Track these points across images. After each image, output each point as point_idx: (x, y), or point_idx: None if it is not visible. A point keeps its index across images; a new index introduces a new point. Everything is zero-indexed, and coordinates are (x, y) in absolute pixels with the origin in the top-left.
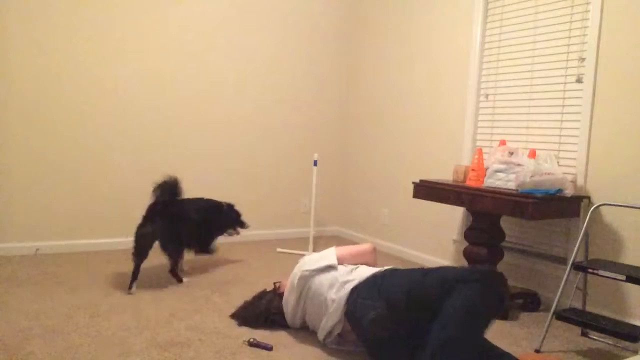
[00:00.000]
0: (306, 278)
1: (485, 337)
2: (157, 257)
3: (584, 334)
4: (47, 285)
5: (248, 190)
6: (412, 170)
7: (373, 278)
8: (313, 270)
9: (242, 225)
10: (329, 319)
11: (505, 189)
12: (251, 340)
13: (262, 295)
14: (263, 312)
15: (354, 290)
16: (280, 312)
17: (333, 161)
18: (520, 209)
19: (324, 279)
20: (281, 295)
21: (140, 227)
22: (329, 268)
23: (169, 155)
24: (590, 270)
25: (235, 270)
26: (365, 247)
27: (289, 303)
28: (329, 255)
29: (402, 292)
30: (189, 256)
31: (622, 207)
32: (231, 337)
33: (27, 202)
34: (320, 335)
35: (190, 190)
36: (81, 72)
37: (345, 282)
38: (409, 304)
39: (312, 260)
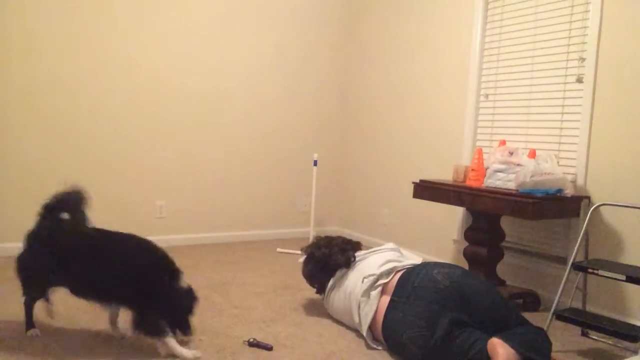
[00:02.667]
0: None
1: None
2: None
3: (584, 334)
4: None
5: (248, 190)
6: (412, 170)
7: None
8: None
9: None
10: (385, 266)
11: (505, 189)
12: (251, 340)
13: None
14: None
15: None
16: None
17: (333, 161)
18: (520, 209)
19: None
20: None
21: None
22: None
23: (168, 155)
24: (590, 270)
25: (235, 270)
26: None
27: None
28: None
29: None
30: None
31: (622, 207)
32: (231, 337)
33: (27, 202)
34: (363, 285)
35: (190, 190)
36: (81, 74)
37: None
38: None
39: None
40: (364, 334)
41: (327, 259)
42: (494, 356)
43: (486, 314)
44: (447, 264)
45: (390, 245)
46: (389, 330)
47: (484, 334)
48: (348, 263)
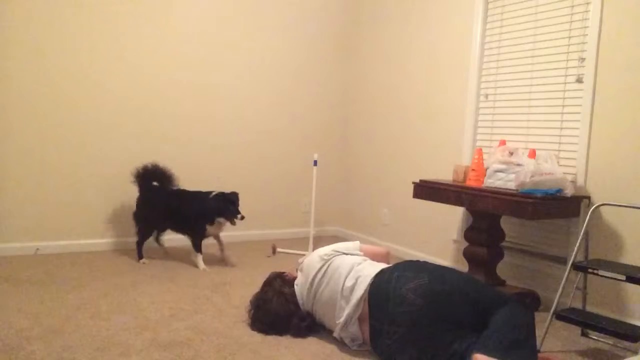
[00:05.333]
0: (329, 256)
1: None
2: (156, 255)
3: (584, 334)
4: (47, 285)
5: (248, 190)
6: (412, 170)
7: (409, 261)
8: (337, 251)
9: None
10: (352, 297)
11: (505, 189)
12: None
13: (268, 284)
14: (282, 312)
15: (383, 271)
16: (294, 300)
17: (333, 161)
18: (520, 209)
19: (346, 260)
20: (290, 282)
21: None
22: (353, 254)
23: (169, 155)
24: (590, 270)
25: (235, 270)
26: (382, 249)
27: (303, 286)
28: (353, 245)
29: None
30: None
31: (622, 207)
32: (231, 337)
33: (27, 202)
34: (338, 325)
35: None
36: (81, 73)
37: (371, 265)
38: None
39: (334, 245)
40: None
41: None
42: None
43: (469, 309)
44: (410, 270)
45: (321, 252)
46: (383, 354)
47: (466, 339)
48: (301, 332)
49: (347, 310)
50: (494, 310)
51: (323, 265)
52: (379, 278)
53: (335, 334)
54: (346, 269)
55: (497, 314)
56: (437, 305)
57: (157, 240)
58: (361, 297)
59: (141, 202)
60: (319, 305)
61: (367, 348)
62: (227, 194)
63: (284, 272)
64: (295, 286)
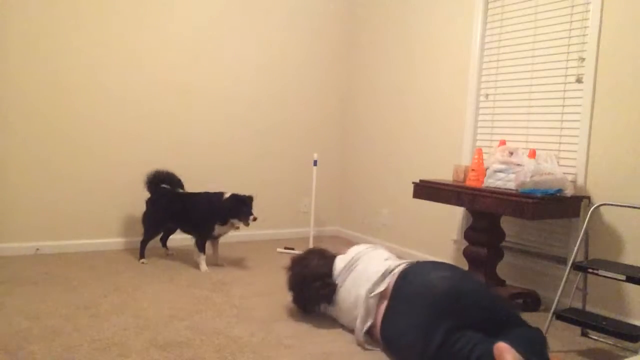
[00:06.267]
0: (375, 246)
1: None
2: (156, 255)
3: (584, 334)
4: (47, 285)
5: (248, 190)
6: (412, 170)
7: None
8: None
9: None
10: (384, 273)
11: (505, 189)
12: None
13: (312, 250)
14: (314, 272)
15: (419, 262)
16: (329, 268)
17: (333, 161)
18: (520, 209)
19: (387, 251)
20: (331, 255)
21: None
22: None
23: (169, 155)
24: (590, 270)
25: (235, 270)
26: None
27: (344, 259)
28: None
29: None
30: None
31: (622, 207)
32: (231, 337)
33: (27, 202)
34: (362, 295)
35: (190, 190)
36: (81, 73)
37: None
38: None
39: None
40: (361, 338)
41: (308, 300)
42: None
43: (485, 317)
44: (445, 265)
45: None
46: (388, 336)
47: (485, 337)
48: (329, 299)
49: (374, 278)
50: (512, 327)
51: (368, 248)
52: (414, 266)
53: (356, 311)
54: (388, 253)
55: (517, 329)
56: (458, 298)
57: (164, 243)
58: (391, 273)
59: (151, 202)
60: (352, 277)
61: (374, 346)
62: (240, 195)
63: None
64: (336, 258)
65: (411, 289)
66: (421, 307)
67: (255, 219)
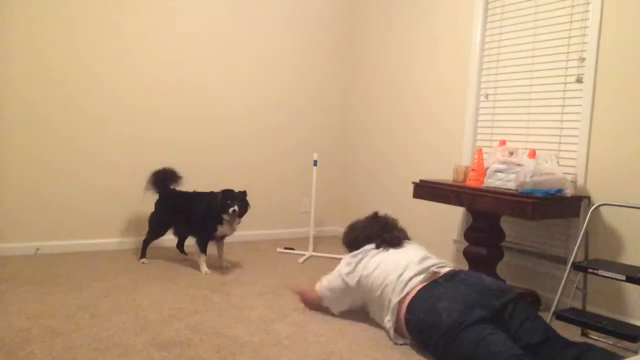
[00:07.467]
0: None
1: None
2: (156, 255)
3: (584, 334)
4: (47, 285)
5: (248, 190)
6: (412, 170)
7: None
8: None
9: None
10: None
11: (505, 189)
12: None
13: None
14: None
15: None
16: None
17: (333, 161)
18: (520, 209)
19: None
20: None
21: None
22: None
23: (169, 155)
24: (590, 270)
25: (235, 270)
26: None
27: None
28: None
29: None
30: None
31: (622, 207)
32: (231, 337)
33: (27, 202)
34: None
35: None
36: (81, 72)
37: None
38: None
39: None
40: (392, 337)
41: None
42: None
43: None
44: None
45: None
46: (422, 301)
47: (513, 347)
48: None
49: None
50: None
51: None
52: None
53: (382, 311)
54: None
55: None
56: (504, 301)
57: (181, 248)
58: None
59: (160, 203)
60: (387, 254)
61: (404, 341)
62: (229, 190)
63: None
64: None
65: (460, 276)
66: (468, 288)
67: (235, 212)
